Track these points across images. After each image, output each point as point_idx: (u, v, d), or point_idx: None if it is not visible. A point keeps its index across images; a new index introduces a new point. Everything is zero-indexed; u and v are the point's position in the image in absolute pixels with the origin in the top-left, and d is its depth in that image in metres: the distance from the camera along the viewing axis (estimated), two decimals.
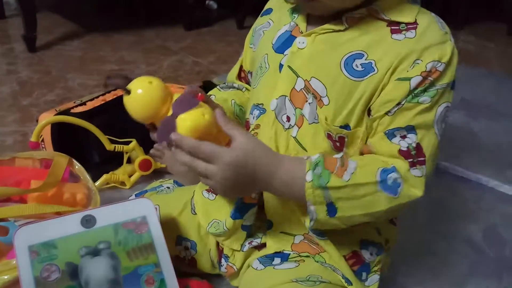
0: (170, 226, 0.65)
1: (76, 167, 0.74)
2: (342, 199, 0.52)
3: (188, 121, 0.51)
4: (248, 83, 0.73)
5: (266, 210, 0.64)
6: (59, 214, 0.64)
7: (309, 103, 0.57)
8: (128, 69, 1.66)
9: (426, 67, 0.53)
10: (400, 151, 0.53)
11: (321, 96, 0.56)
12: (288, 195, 0.56)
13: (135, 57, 1.79)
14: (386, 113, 0.54)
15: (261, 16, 0.70)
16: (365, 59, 0.55)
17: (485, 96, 1.45)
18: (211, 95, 0.70)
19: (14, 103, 1.33)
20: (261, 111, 0.62)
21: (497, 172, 1.03)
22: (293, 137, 0.59)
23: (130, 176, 0.94)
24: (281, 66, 0.60)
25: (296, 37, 0.60)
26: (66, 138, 0.91)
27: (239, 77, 0.75)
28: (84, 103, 0.92)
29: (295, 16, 0.62)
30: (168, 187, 0.77)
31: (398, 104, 0.54)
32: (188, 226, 0.69)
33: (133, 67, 1.68)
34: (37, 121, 0.94)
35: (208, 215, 0.68)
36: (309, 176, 0.52)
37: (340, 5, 0.55)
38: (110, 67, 1.66)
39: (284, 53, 0.60)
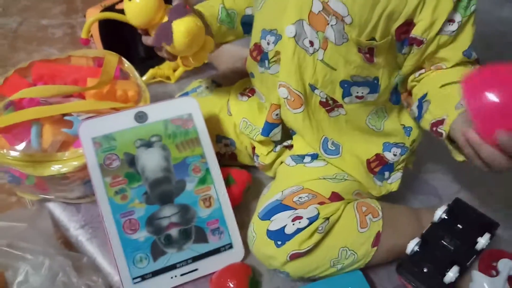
0: (210, 126, 0.69)
1: (126, 65, 0.78)
2: None
3: (182, 26, 0.55)
4: None
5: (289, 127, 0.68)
6: (114, 109, 0.70)
7: (331, 25, 0.56)
8: None
9: None
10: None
11: (342, 16, 0.55)
12: None
13: None
14: (439, 33, 0.56)
15: None
16: None
17: None
18: None
19: None
20: (277, 38, 0.61)
21: None
22: (320, 60, 0.59)
23: (174, 71, 0.99)
24: None
25: None
26: (113, 33, 0.94)
27: None
28: None
29: None
30: (207, 87, 0.80)
31: (450, 21, 0.55)
32: (226, 126, 0.75)
33: None
34: (84, 16, 0.98)
35: (240, 114, 0.73)
36: None
37: None
38: None
39: None
